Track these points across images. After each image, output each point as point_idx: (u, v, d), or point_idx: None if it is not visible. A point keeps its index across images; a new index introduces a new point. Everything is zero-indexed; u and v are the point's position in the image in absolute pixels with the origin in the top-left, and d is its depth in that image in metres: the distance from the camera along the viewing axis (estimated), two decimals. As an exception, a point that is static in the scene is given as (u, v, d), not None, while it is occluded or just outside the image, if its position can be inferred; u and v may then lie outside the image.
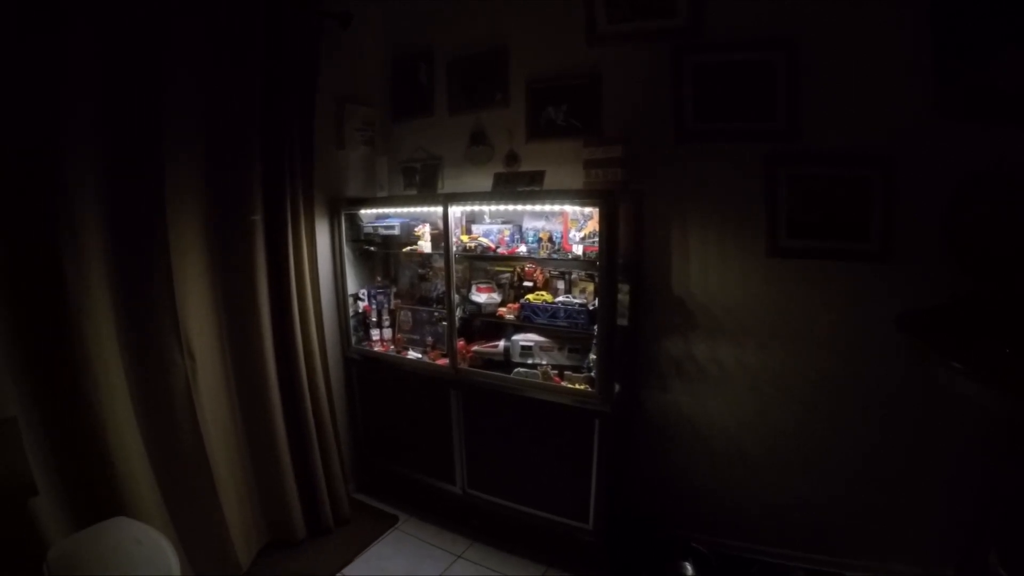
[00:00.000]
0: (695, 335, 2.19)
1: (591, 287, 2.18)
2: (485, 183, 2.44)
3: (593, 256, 2.05)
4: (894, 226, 1.88)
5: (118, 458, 1.73)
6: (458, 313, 2.33)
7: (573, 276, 2.23)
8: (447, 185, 2.58)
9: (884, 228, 1.90)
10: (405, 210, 2.58)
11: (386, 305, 2.68)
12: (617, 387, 2.04)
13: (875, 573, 2.04)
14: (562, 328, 2.13)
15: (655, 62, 2.14)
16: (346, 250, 2.61)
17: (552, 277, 2.27)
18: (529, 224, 2.34)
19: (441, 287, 2.57)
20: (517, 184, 2.17)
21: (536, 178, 2.15)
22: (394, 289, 2.72)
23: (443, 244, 2.25)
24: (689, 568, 2.13)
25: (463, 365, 2.33)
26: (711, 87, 2.08)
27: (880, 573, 2.03)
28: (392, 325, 2.68)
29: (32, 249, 1.59)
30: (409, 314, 2.63)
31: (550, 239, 2.22)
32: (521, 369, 2.21)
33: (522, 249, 2.23)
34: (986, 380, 1.34)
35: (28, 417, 1.55)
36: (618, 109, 2.22)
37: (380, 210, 2.60)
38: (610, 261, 1.92)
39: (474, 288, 2.36)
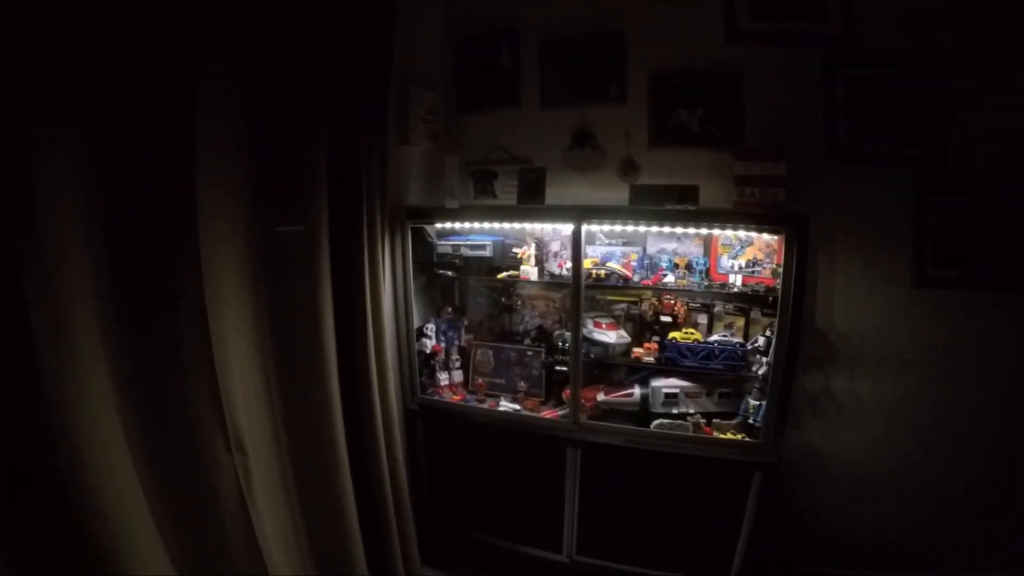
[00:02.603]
0: (834, 368, 2.03)
1: (740, 322, 1.91)
2: (596, 194, 2.05)
3: (761, 289, 1.79)
4: (1024, 257, 1.89)
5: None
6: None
7: (717, 309, 1.94)
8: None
9: (1016, 258, 1.90)
10: (477, 226, 2.08)
11: (456, 342, 2.15)
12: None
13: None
14: (715, 371, 1.84)
15: (802, 70, 1.91)
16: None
17: (692, 310, 1.95)
18: (655, 247, 1.99)
19: (531, 321, 2.12)
20: (664, 200, 1.80)
21: (688, 194, 1.80)
22: (465, 322, 2.19)
23: (573, 270, 1.82)
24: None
25: (583, 418, 1.93)
26: (862, 105, 1.91)
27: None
28: (463, 367, 2.16)
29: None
30: (490, 353, 2.12)
31: (688, 266, 1.91)
32: (664, 421, 1.87)
33: (669, 279, 1.87)
34: None
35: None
36: (760, 119, 1.96)
37: (450, 224, 2.06)
38: (796, 296, 1.68)
39: (590, 323, 1.95)
